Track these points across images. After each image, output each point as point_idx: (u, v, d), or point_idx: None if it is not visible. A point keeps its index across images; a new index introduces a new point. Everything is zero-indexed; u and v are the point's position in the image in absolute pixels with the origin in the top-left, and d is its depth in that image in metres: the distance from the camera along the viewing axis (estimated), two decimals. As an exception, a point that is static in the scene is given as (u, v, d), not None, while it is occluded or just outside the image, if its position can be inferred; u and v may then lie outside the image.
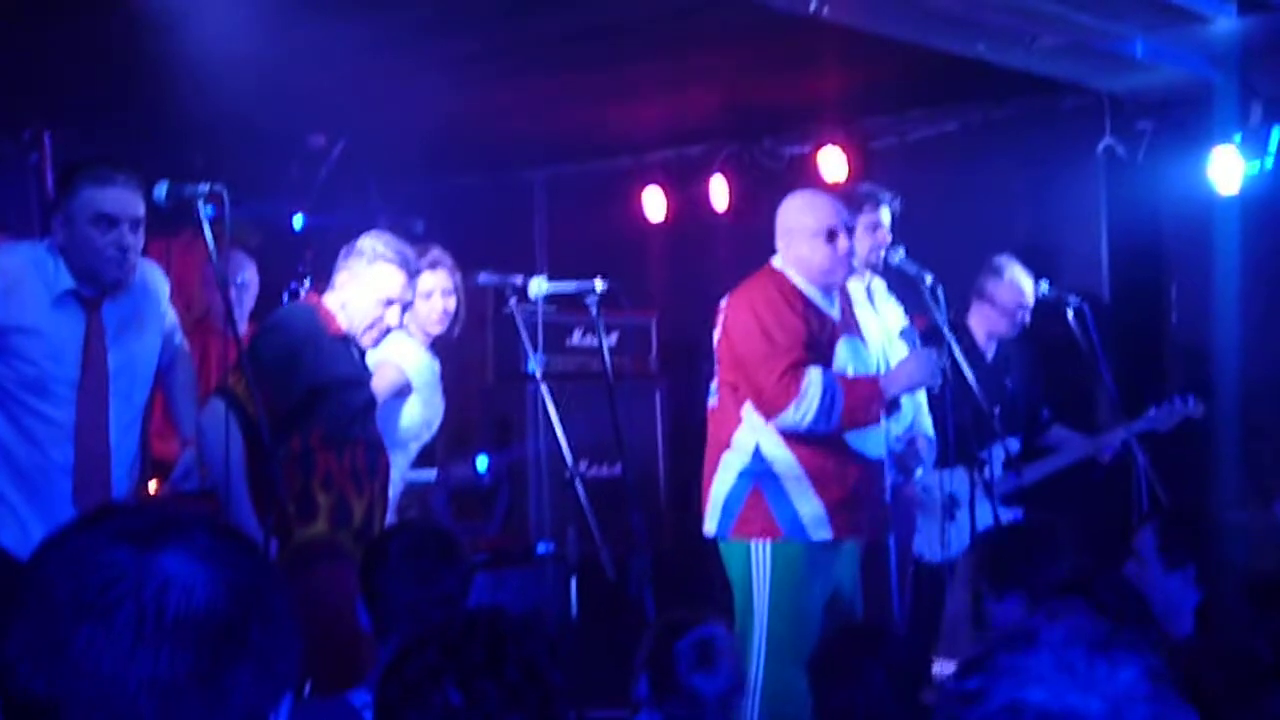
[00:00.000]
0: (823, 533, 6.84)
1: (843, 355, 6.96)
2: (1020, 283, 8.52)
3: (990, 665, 1.77)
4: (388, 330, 6.49)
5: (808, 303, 6.97)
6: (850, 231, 7.05)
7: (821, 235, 6.95)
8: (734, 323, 6.99)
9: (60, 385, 5.73)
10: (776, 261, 7.11)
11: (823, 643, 5.13)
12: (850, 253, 7.03)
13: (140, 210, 5.72)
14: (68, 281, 5.70)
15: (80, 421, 5.76)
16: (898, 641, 4.96)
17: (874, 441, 7.00)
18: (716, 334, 7.10)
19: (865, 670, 4.57)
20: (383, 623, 4.75)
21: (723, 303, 7.13)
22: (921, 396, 7.52)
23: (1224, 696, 4.11)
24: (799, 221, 7.04)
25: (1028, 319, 8.58)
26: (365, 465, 6.38)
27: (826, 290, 7.07)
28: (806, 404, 6.68)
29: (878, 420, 6.87)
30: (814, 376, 6.72)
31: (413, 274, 6.47)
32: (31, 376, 5.70)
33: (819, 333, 6.92)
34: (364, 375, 6.51)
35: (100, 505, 5.15)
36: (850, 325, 7.14)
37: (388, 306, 6.39)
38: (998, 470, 7.82)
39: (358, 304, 6.37)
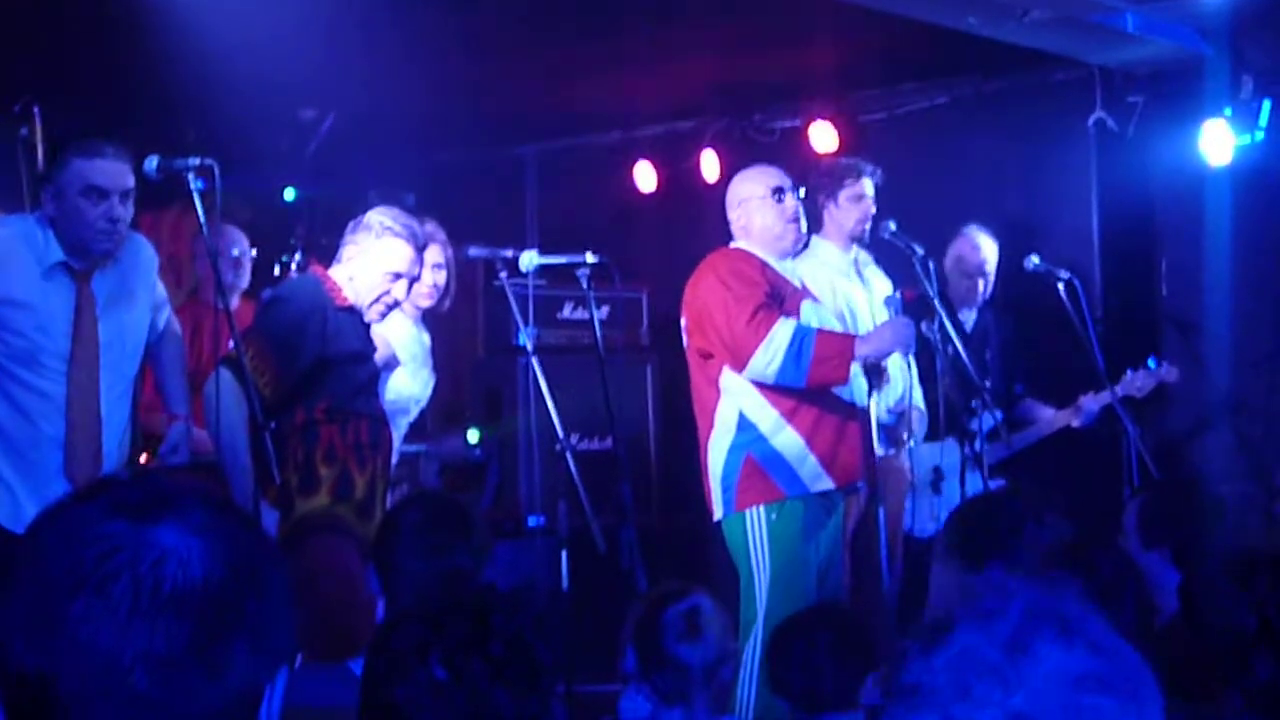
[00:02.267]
0: (823, 483, 6.84)
1: (807, 316, 6.96)
2: (977, 252, 8.55)
3: (900, 674, 1.72)
4: (395, 304, 6.50)
5: (765, 266, 7.00)
6: (797, 192, 7.11)
7: (768, 196, 7.03)
8: (695, 288, 7.01)
9: (51, 358, 5.73)
10: (731, 245, 7.16)
11: (783, 621, 5.16)
12: (799, 213, 7.08)
13: (130, 182, 5.72)
14: (58, 254, 5.70)
15: (71, 394, 5.76)
16: (849, 617, 5.00)
17: (859, 392, 7.01)
18: (683, 320, 7.11)
19: (811, 648, 4.61)
20: (393, 594, 4.75)
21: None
22: (914, 370, 7.54)
23: (1212, 671, 4.12)
24: (745, 191, 7.13)
25: (982, 289, 8.59)
26: (369, 439, 6.38)
27: (782, 259, 7.10)
28: (775, 348, 6.67)
29: (846, 379, 6.84)
30: (784, 323, 6.73)
31: (420, 248, 6.48)
32: (22, 349, 5.70)
33: (780, 291, 6.93)
34: (369, 349, 6.51)
35: (95, 478, 5.17)
36: (809, 292, 7.14)
37: (395, 281, 6.39)
38: (983, 442, 7.82)
39: (365, 278, 6.37)
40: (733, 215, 7.15)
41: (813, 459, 6.82)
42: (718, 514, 6.97)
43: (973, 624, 1.71)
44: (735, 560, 6.91)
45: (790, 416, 6.82)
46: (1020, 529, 4.87)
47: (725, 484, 6.91)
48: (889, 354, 7.06)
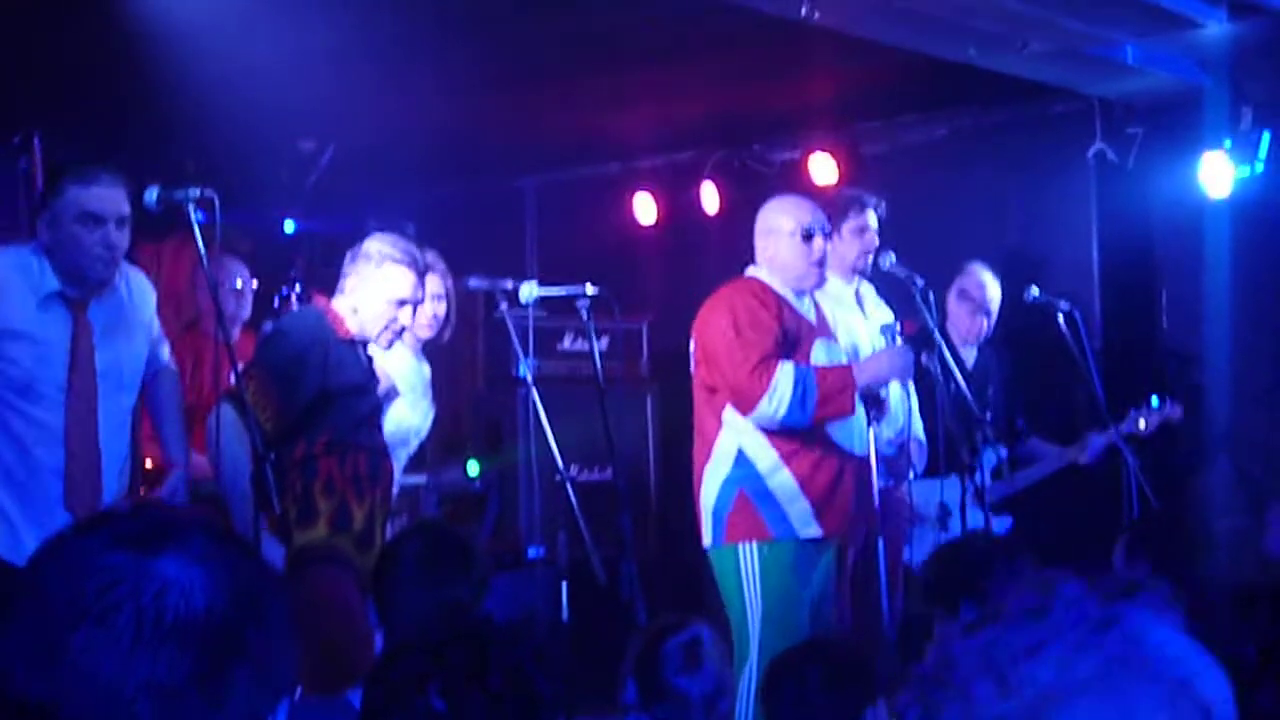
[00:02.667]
0: (811, 530, 6.79)
1: (819, 356, 6.94)
2: (984, 287, 8.51)
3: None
4: (402, 331, 6.47)
5: (782, 302, 6.94)
6: (827, 234, 7.03)
7: (798, 235, 6.93)
8: (707, 322, 6.95)
9: (48, 387, 5.71)
10: (751, 270, 7.09)
11: (775, 657, 5.14)
12: (825, 255, 7.02)
13: (126, 209, 5.70)
14: (54, 283, 5.68)
15: (69, 424, 5.73)
16: (842, 651, 4.98)
17: (859, 438, 6.97)
18: (692, 342, 7.05)
19: (803, 685, 4.60)
20: (392, 625, 4.74)
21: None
22: (914, 401, 7.52)
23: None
24: (776, 223, 7.02)
25: (988, 326, 8.55)
26: (367, 471, 6.36)
27: (800, 293, 7.06)
28: (779, 396, 6.63)
29: (852, 410, 6.82)
30: (784, 368, 6.67)
31: (422, 273, 6.46)
32: (19, 379, 5.68)
33: (794, 332, 6.88)
34: (371, 381, 6.50)
35: (95, 509, 5.12)
36: (825, 329, 7.10)
37: (400, 307, 6.36)
38: (987, 477, 7.79)
39: (370, 307, 6.35)
40: (759, 242, 7.08)
41: (804, 504, 6.78)
42: (707, 541, 6.95)
43: (1008, 618, 1.69)
44: (725, 593, 6.88)
45: (789, 459, 6.80)
46: (989, 570, 4.87)
47: (716, 516, 6.88)
48: (887, 381, 7.02)
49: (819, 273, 7.03)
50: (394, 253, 6.37)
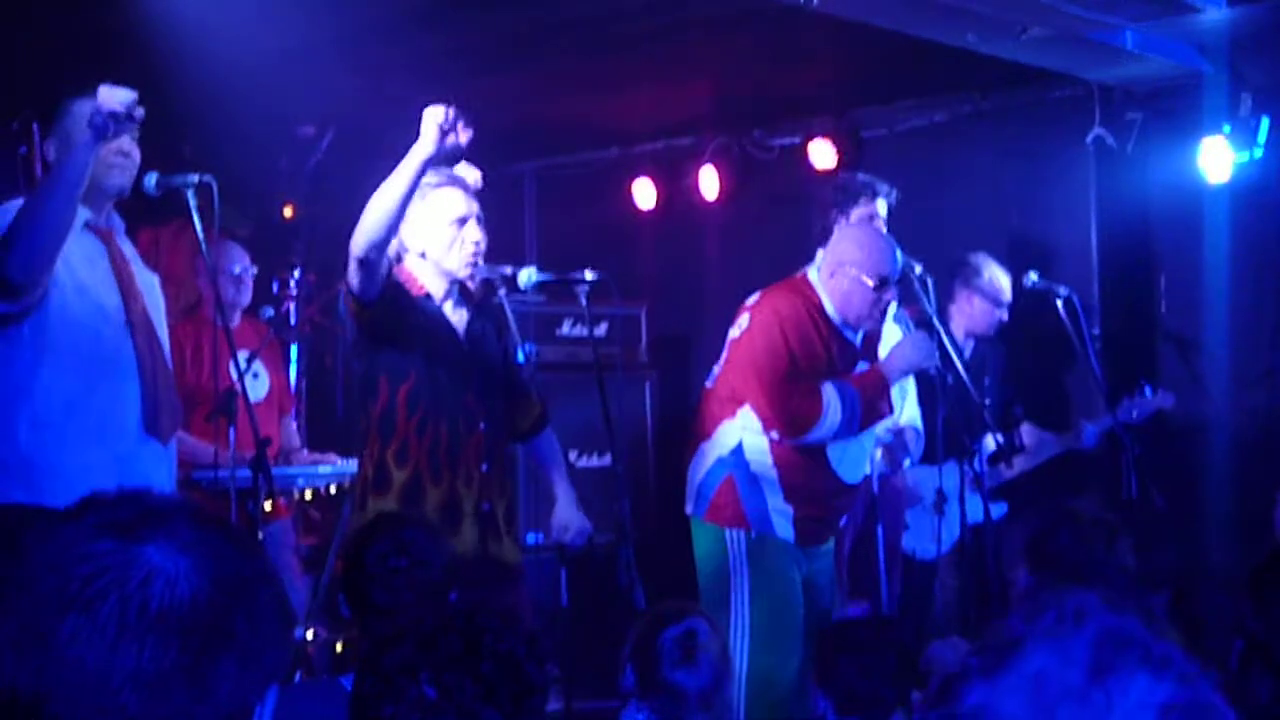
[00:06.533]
0: (786, 533, 6.76)
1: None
2: (999, 281, 8.48)
3: (960, 697, 1.60)
4: (477, 249, 6.31)
5: (832, 327, 6.82)
6: (897, 280, 6.86)
7: (872, 281, 6.73)
8: (759, 334, 6.79)
9: (109, 319, 5.54)
10: (812, 274, 6.93)
11: (838, 622, 5.13)
12: (886, 310, 6.86)
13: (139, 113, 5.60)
14: (84, 213, 5.56)
15: (139, 347, 5.58)
16: (904, 631, 5.00)
17: (855, 467, 6.94)
18: (736, 332, 6.89)
19: (876, 651, 4.61)
20: (365, 621, 4.69)
21: (749, 301, 6.95)
22: (911, 388, 7.51)
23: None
24: (853, 257, 6.80)
25: (1005, 318, 8.52)
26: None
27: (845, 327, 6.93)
28: (831, 420, 6.57)
29: (892, 411, 6.85)
30: (829, 393, 6.60)
31: (466, 188, 6.28)
32: (83, 317, 5.50)
33: (839, 357, 6.80)
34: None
35: (175, 427, 5.06)
36: (872, 351, 6.99)
37: (462, 226, 6.21)
38: (985, 464, 7.78)
39: (434, 240, 6.18)
40: (829, 263, 6.87)
41: (785, 510, 6.73)
42: (689, 509, 6.95)
43: (1044, 645, 1.60)
44: (705, 567, 6.86)
45: (782, 469, 6.74)
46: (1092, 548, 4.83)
47: (701, 491, 6.87)
48: (915, 371, 6.96)
49: (880, 318, 6.89)
50: (432, 179, 6.21)
